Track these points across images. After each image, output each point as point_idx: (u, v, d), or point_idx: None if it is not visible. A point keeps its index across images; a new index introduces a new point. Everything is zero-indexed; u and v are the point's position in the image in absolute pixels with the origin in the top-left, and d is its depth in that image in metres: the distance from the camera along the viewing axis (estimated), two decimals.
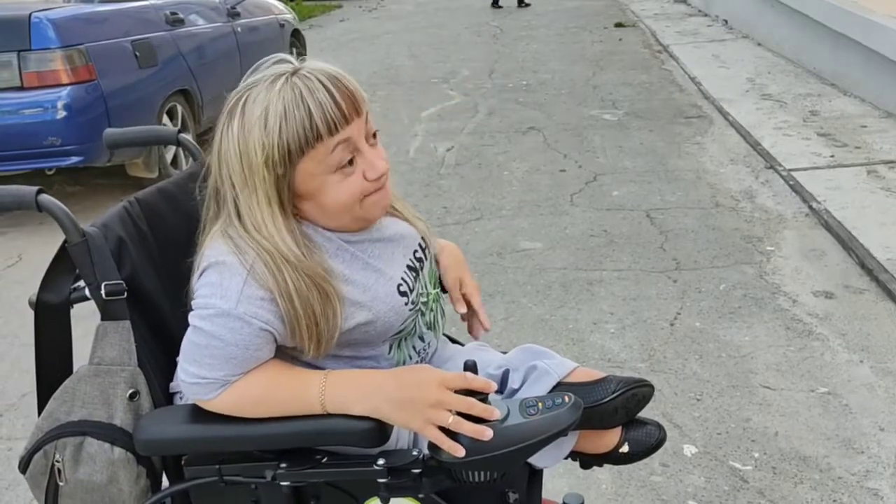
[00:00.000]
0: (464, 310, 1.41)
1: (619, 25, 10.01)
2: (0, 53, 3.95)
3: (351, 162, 1.14)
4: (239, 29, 5.78)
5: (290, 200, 1.14)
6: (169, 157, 4.74)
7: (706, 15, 10.18)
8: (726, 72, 7.00)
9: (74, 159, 4.10)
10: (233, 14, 5.77)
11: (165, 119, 4.72)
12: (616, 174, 4.71)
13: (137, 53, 4.46)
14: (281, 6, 7.04)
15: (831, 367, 2.68)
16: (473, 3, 13.43)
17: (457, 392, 1.07)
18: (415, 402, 1.06)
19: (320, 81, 1.11)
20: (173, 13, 4.98)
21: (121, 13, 4.60)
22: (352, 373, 1.14)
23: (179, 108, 4.90)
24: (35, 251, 3.97)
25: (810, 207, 3.98)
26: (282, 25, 6.72)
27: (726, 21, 9.33)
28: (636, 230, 3.89)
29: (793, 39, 7.12)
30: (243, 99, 1.13)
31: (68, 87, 4.01)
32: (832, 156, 4.64)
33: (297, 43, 7.14)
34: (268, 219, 1.12)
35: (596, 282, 3.39)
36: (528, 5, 12.32)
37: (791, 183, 4.31)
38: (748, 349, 2.81)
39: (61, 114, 3.99)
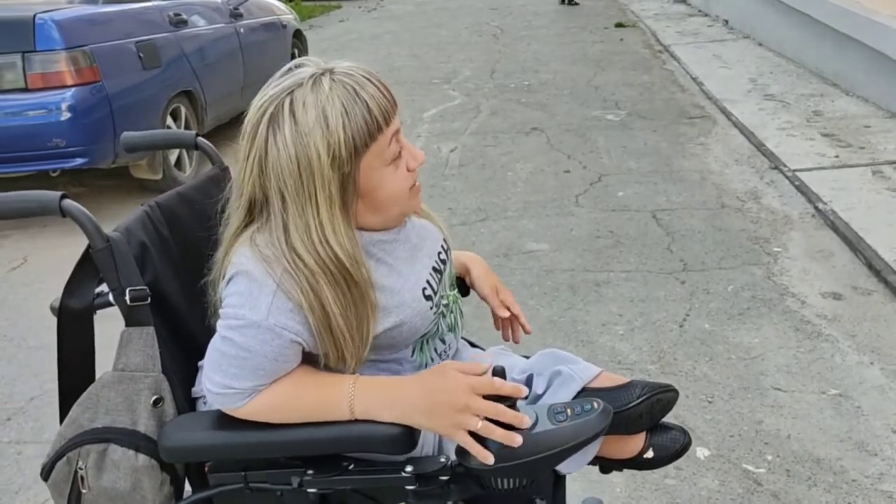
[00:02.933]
0: (506, 314, 1.43)
1: (619, 26, 10.01)
2: (4, 55, 3.93)
3: (399, 155, 1.17)
4: (242, 30, 5.76)
5: (354, 200, 1.13)
6: (173, 158, 4.72)
7: (706, 15, 10.18)
8: (728, 72, 7.00)
9: (79, 161, 4.09)
10: (235, 15, 5.75)
11: (169, 121, 4.71)
12: (621, 175, 4.70)
13: (141, 55, 4.45)
14: (282, 7, 7.02)
15: (842, 368, 2.68)
16: (473, 2, 13.42)
17: (485, 397, 1.06)
18: (444, 407, 1.06)
19: (363, 76, 1.12)
20: (177, 14, 4.96)
21: (124, 14, 4.58)
22: (380, 379, 1.14)
23: (183, 110, 4.88)
24: (40, 253, 3.96)
25: (816, 208, 3.98)
26: (284, 26, 6.71)
27: (727, 21, 9.33)
28: (642, 231, 3.89)
29: (794, 39, 7.12)
30: (285, 104, 1.09)
31: (73, 89, 3.99)
32: (837, 156, 4.65)
33: (298, 44, 7.13)
34: (327, 224, 1.09)
35: (603, 283, 3.39)
36: (577, 4, 12.26)
37: (796, 183, 4.31)
38: (758, 351, 2.81)
39: (66, 115, 3.97)
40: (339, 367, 1.14)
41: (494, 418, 1.05)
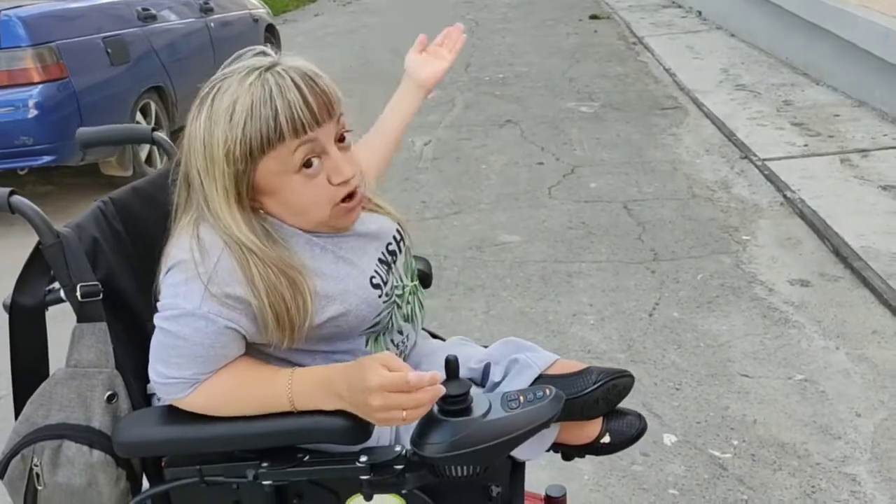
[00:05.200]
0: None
1: (594, 17, 10.03)
2: None
3: (309, 164, 1.12)
4: (212, 24, 5.72)
5: (248, 195, 1.13)
6: (143, 155, 4.69)
7: (680, 6, 10.22)
8: (700, 63, 7.04)
9: (47, 159, 4.05)
10: (205, 9, 5.71)
11: (139, 117, 4.67)
12: (593, 166, 4.72)
13: (109, 50, 4.41)
14: (255, 0, 6.98)
15: (808, 354, 2.72)
16: None
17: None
18: (364, 405, 1.04)
19: (293, 80, 1.09)
20: (145, 9, 4.92)
21: (92, 9, 4.54)
22: (316, 370, 1.13)
23: (153, 106, 4.84)
24: (7, 253, 3.90)
25: (785, 197, 4.02)
26: (255, 20, 6.67)
27: (700, 12, 9.38)
28: (614, 222, 3.91)
29: (766, 30, 7.17)
30: (215, 89, 1.11)
31: (39, 86, 3.96)
32: (806, 145, 4.69)
33: (271, 38, 7.09)
34: (224, 210, 1.11)
35: (575, 274, 3.41)
36: None
37: (766, 172, 4.35)
38: (726, 338, 2.84)
39: (33, 113, 3.94)
40: (283, 347, 1.14)
41: (412, 407, 1.02)
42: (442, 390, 1.04)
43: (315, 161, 1.12)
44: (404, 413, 1.02)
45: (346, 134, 1.17)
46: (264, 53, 1.15)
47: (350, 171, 1.15)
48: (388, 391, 1.01)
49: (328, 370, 1.12)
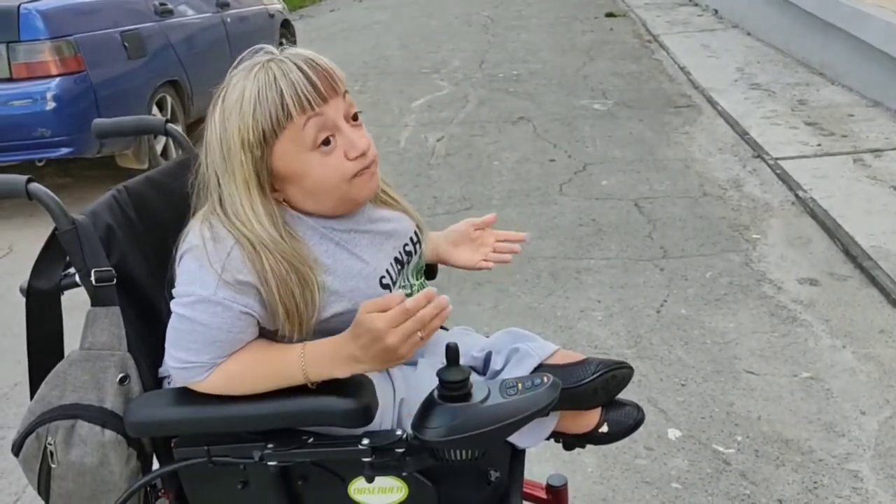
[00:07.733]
0: (490, 265, 1.52)
1: (609, 15, 10.01)
2: None
3: (327, 141, 1.16)
4: (228, 19, 5.77)
5: (268, 182, 1.17)
6: (159, 147, 4.74)
7: (696, 5, 10.19)
8: (716, 61, 7.03)
9: (64, 150, 4.11)
10: (222, 4, 5.76)
11: (155, 110, 4.72)
12: (605, 164, 4.74)
13: (126, 44, 4.46)
14: None
15: (814, 352, 2.73)
16: None
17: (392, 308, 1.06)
18: (385, 351, 1.07)
19: (295, 64, 1.14)
20: (162, 3, 4.97)
21: (109, 4, 4.59)
22: (325, 342, 1.15)
23: (169, 99, 4.90)
24: (26, 243, 3.97)
25: (796, 196, 4.02)
26: (271, 16, 6.72)
27: (716, 11, 9.34)
28: (624, 219, 3.93)
29: (782, 29, 7.15)
30: (224, 89, 1.17)
31: (57, 79, 4.01)
32: (819, 144, 4.68)
33: (287, 33, 7.14)
34: (245, 203, 1.15)
35: (584, 270, 3.43)
36: None
37: (778, 172, 4.35)
38: (733, 335, 2.85)
39: (50, 105, 3.99)
40: (288, 338, 1.17)
41: (422, 327, 1.05)
42: (444, 300, 1.06)
43: (329, 139, 1.16)
44: (420, 335, 1.06)
45: (356, 112, 1.22)
46: (266, 51, 1.20)
47: (365, 144, 1.19)
48: (396, 326, 1.05)
49: (336, 340, 1.13)
